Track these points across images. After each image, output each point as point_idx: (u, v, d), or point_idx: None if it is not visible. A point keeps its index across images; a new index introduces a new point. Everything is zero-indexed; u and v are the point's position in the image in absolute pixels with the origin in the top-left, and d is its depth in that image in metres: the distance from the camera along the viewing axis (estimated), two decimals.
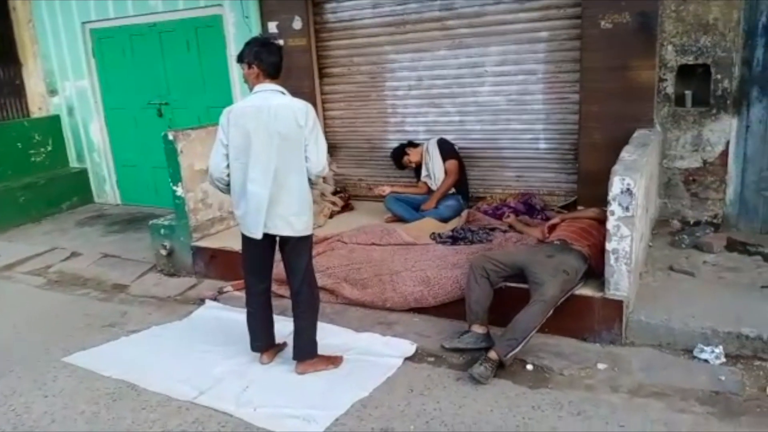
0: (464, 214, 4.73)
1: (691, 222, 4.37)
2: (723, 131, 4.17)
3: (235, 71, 5.90)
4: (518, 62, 4.83)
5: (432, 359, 3.35)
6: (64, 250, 5.71)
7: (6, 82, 7.40)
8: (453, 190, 4.96)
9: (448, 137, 5.14)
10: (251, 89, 3.06)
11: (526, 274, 3.41)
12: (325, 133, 5.77)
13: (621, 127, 4.35)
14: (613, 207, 3.21)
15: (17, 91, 7.49)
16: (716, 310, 3.25)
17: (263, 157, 2.95)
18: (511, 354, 3.11)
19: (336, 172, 5.51)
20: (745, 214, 4.31)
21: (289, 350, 3.34)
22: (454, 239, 4.30)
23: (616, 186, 3.18)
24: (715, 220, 4.29)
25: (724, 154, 4.21)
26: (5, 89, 7.41)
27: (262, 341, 3.35)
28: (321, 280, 4.07)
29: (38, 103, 7.50)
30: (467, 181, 5.12)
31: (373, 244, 4.39)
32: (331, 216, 5.31)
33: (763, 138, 4.14)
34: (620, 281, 3.29)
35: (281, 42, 5.54)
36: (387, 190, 5.07)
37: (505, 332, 3.16)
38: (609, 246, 3.27)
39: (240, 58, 3.06)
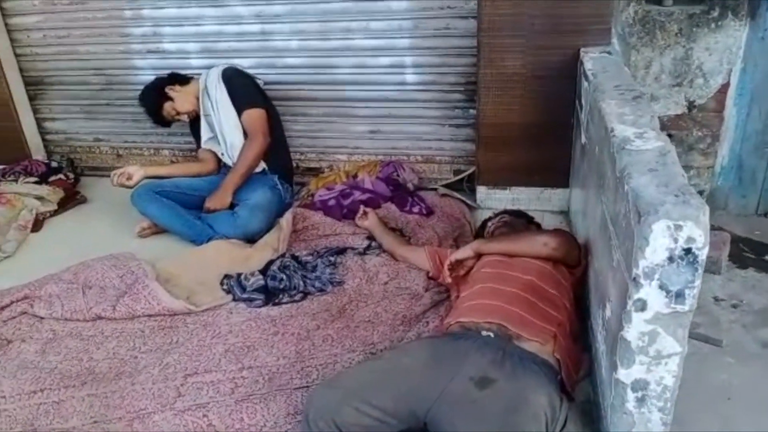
0: (285, 219, 2.54)
1: None
2: (727, 51, 2.37)
3: None
4: None
5: None
6: None
7: None
8: (263, 165, 2.73)
9: (242, 64, 2.82)
10: None
11: None
12: (17, 56, 3.13)
13: (553, 45, 2.40)
14: (645, 291, 1.28)
15: None
16: None
17: None
18: None
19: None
20: (738, 185, 2.68)
21: None
22: (268, 293, 2.17)
23: (657, 242, 1.23)
24: None
25: (723, 90, 2.44)
26: None
27: None
28: None
29: None
30: (287, 146, 2.91)
31: (100, 318, 2.12)
32: (37, 225, 2.84)
33: None
34: None
35: None
36: (136, 175, 2.68)
37: None
38: (622, 373, 1.38)
39: None
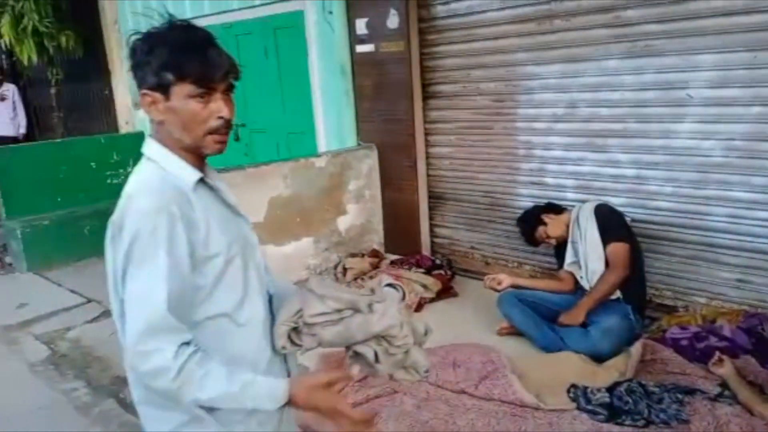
0: (635, 347, 2.69)
1: None
2: None
3: (317, 86, 4.37)
4: (751, 81, 2.72)
5: None
6: (99, 306, 4.56)
7: (94, 93, 6.62)
8: (618, 293, 2.95)
9: (614, 202, 3.14)
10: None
11: None
12: (428, 176, 4.03)
13: None
14: None
15: (106, 103, 6.68)
16: None
17: None
18: None
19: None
20: None
21: None
22: (613, 410, 2.33)
23: None
24: None
25: None
26: (94, 100, 6.64)
27: None
28: None
29: (125, 116, 6.62)
30: (644, 281, 3.08)
31: (464, 392, 2.57)
32: (419, 307, 3.55)
33: None
34: None
35: (372, 48, 3.92)
36: (505, 281, 3.19)
37: None
38: None
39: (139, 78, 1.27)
